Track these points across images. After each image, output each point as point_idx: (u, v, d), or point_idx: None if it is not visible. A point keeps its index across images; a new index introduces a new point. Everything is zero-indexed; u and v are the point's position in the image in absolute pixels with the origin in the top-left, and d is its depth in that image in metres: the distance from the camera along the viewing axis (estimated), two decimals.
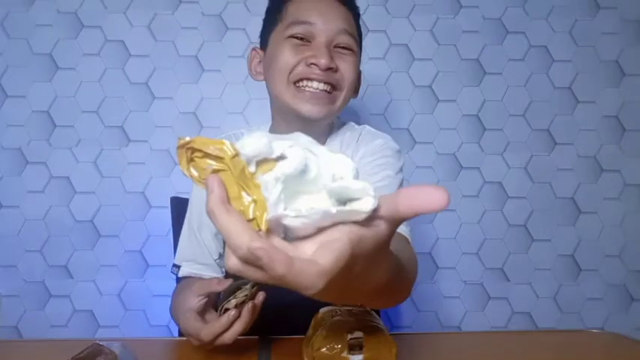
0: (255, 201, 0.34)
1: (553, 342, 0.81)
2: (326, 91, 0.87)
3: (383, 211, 0.35)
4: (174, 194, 1.21)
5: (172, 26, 1.55)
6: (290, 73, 0.86)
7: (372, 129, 1.00)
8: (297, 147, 0.35)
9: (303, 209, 0.33)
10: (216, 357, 0.73)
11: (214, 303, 0.76)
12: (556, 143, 1.61)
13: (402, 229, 0.77)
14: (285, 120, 0.93)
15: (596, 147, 1.61)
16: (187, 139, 0.36)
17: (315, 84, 0.86)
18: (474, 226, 1.60)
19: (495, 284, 1.61)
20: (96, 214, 1.54)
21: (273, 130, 0.98)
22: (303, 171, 0.35)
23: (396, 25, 1.58)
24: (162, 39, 1.55)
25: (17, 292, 1.53)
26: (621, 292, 1.63)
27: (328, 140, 0.97)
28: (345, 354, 0.61)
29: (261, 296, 0.71)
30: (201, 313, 0.75)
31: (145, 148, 1.55)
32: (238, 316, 0.70)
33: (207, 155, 0.35)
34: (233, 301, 0.70)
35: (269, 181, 0.33)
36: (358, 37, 0.94)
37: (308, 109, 0.86)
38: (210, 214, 0.33)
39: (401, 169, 0.92)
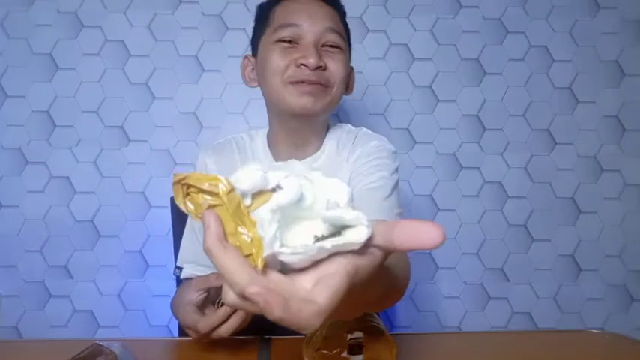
0: (251, 238, 0.34)
1: (553, 342, 0.81)
2: (319, 86, 0.88)
3: (378, 240, 0.36)
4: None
5: (172, 26, 1.55)
6: (282, 75, 0.88)
7: (369, 131, 1.00)
8: (292, 177, 0.35)
9: (298, 246, 0.33)
10: (217, 357, 0.73)
11: (214, 299, 0.77)
12: (556, 143, 1.61)
13: None
14: (282, 123, 0.94)
15: (596, 147, 1.61)
16: (183, 175, 0.36)
17: (307, 84, 0.87)
18: (474, 226, 1.60)
19: (495, 284, 1.61)
20: (96, 214, 1.54)
21: (270, 134, 0.98)
22: (299, 200, 0.35)
23: (396, 25, 1.58)
24: (162, 39, 1.55)
25: (17, 292, 1.53)
26: (621, 292, 1.63)
27: (325, 141, 0.97)
28: (345, 354, 0.61)
29: None
30: (201, 307, 0.76)
31: (145, 148, 1.55)
32: (235, 310, 0.70)
33: (202, 191, 0.35)
34: None
35: (264, 219, 0.34)
36: (346, 36, 0.94)
37: (305, 101, 0.87)
38: (207, 251, 0.33)
39: (396, 170, 0.92)
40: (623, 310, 1.63)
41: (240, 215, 0.34)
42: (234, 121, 1.56)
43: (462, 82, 1.59)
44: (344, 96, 0.96)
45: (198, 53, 1.55)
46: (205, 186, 0.35)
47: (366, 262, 0.35)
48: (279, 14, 0.90)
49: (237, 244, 0.34)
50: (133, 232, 1.54)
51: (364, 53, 1.57)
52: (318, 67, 0.86)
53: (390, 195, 0.87)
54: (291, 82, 0.87)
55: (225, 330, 0.71)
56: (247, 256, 0.34)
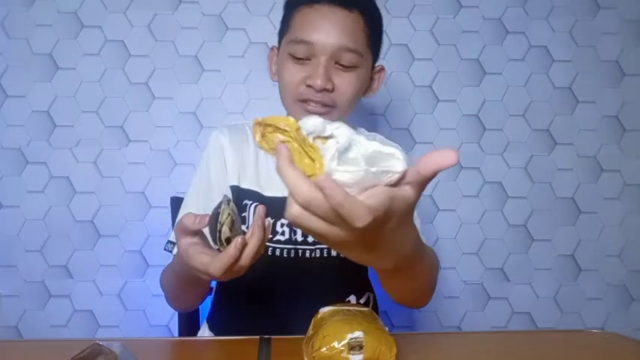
0: (313, 159, 0.43)
1: (553, 342, 0.81)
2: (324, 106, 0.89)
3: (408, 178, 0.44)
4: (174, 194, 1.21)
5: (172, 26, 1.55)
6: (293, 91, 0.89)
7: (383, 137, 1.02)
8: (343, 128, 0.44)
9: (350, 166, 0.42)
10: (217, 357, 0.73)
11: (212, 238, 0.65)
12: (556, 143, 1.61)
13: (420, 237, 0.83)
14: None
15: (596, 147, 1.61)
16: (262, 118, 0.47)
17: (312, 104, 0.88)
18: (474, 226, 1.60)
19: (495, 284, 1.61)
20: (96, 214, 1.54)
21: None
22: (347, 149, 0.43)
23: (396, 25, 1.58)
24: (162, 39, 1.55)
25: (17, 292, 1.53)
26: (621, 292, 1.63)
27: None
28: (345, 354, 0.61)
29: (260, 209, 0.64)
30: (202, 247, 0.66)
31: (145, 148, 1.55)
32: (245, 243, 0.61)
33: (277, 129, 0.45)
34: (225, 228, 0.60)
35: (324, 148, 0.43)
36: (372, 41, 0.91)
37: None
38: (278, 170, 0.41)
39: None
40: (623, 310, 1.63)
41: (306, 146, 0.44)
42: (234, 121, 1.55)
43: (462, 82, 1.59)
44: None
45: (198, 53, 1.56)
46: (280, 124, 0.45)
47: (401, 193, 0.43)
48: (297, 22, 0.89)
49: (303, 168, 0.43)
50: (133, 232, 1.54)
51: None
52: (324, 90, 0.86)
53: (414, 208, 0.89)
54: (300, 100, 0.88)
55: (244, 263, 0.61)
56: (310, 176, 0.42)
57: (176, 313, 1.17)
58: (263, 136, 0.47)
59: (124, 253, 1.55)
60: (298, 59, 0.87)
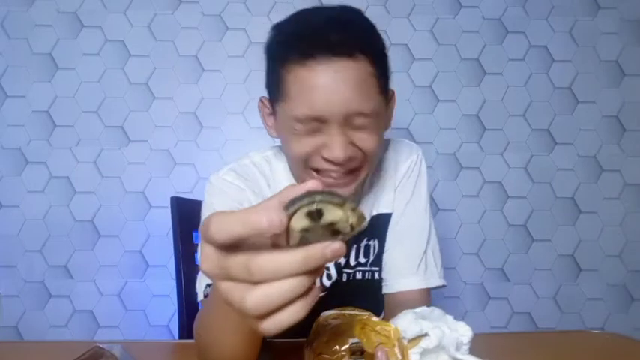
0: None
1: (553, 342, 0.81)
2: (348, 175, 0.75)
3: None
4: (174, 194, 1.21)
5: (172, 26, 1.55)
6: (305, 162, 0.75)
7: (396, 141, 1.01)
8: (437, 328, 0.50)
9: None
10: None
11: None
12: (556, 143, 1.61)
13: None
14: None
15: (596, 147, 1.61)
16: (367, 316, 0.54)
17: (334, 174, 0.74)
18: (474, 226, 1.60)
19: (495, 284, 1.61)
20: (96, 214, 1.54)
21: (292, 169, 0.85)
22: (435, 349, 0.50)
23: (396, 25, 1.58)
24: (162, 39, 1.55)
25: (17, 292, 1.53)
26: (621, 292, 1.63)
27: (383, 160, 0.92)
28: (346, 358, 0.61)
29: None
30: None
31: (145, 148, 1.55)
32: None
33: (377, 334, 0.51)
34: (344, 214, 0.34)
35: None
36: (383, 79, 0.76)
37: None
38: None
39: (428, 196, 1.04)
40: (623, 310, 1.63)
41: (403, 353, 0.51)
42: (234, 121, 1.55)
43: (462, 82, 1.59)
44: None
45: (198, 53, 1.55)
46: (383, 331, 0.51)
47: None
48: (292, 89, 0.72)
49: None
50: (133, 232, 1.54)
51: None
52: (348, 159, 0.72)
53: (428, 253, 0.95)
54: (314, 170, 0.75)
55: (284, 319, 0.35)
56: None
57: (176, 313, 1.16)
58: (362, 328, 0.53)
59: (124, 253, 1.54)
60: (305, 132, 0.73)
